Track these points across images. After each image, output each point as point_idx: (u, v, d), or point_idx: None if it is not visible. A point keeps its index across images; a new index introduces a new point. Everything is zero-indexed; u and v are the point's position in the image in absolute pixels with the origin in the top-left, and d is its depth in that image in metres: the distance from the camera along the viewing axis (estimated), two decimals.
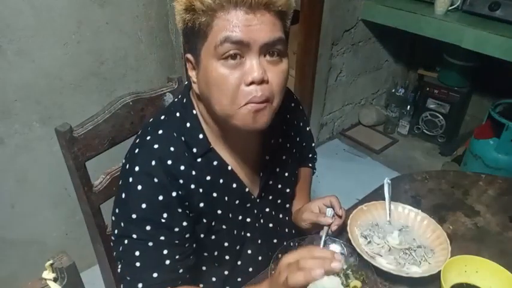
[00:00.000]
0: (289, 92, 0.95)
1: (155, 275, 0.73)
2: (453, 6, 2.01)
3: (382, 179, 1.01)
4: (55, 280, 0.60)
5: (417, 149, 2.60)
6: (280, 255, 0.83)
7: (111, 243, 0.79)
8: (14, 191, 1.44)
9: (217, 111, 0.70)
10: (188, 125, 0.76)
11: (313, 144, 1.09)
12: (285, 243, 0.84)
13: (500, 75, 2.15)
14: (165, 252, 0.74)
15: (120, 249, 0.75)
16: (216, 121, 0.76)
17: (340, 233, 0.92)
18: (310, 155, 1.09)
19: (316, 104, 2.43)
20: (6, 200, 1.44)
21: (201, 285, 0.89)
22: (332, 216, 0.88)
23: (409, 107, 2.60)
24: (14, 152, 1.39)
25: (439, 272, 0.78)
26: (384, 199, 0.98)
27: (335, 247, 0.87)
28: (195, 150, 0.76)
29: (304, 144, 1.02)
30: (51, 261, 0.60)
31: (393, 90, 2.70)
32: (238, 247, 0.87)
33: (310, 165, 1.10)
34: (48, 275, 0.59)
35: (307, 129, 1.04)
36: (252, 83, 0.66)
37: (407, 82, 2.75)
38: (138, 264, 0.73)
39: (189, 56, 0.72)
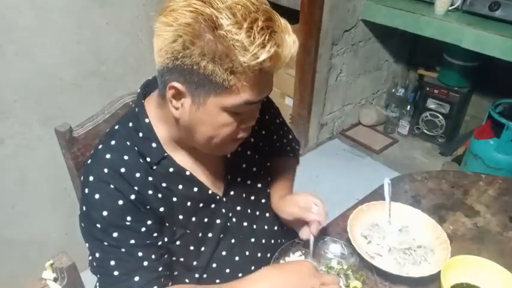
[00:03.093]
0: None
1: (137, 278, 0.72)
2: (453, 6, 2.01)
3: (382, 179, 1.00)
4: (55, 280, 0.60)
5: (417, 149, 2.60)
6: (276, 254, 0.83)
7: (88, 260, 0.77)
8: (14, 191, 1.44)
9: (202, 145, 0.74)
10: (141, 134, 0.76)
11: (290, 136, 1.04)
12: (281, 241, 0.83)
13: (500, 75, 2.16)
14: (140, 254, 0.73)
15: (95, 264, 0.74)
16: (177, 131, 0.75)
17: (340, 233, 0.92)
18: (289, 147, 1.04)
19: (316, 104, 2.43)
20: (6, 200, 1.44)
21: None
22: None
23: (409, 107, 2.60)
24: (14, 152, 1.38)
25: (439, 272, 0.78)
26: (384, 199, 0.97)
27: (335, 247, 0.87)
28: (148, 159, 0.75)
29: (275, 137, 0.99)
30: (51, 261, 0.60)
31: (393, 90, 2.70)
32: (204, 249, 0.85)
33: (291, 154, 1.05)
34: (48, 275, 0.60)
35: (278, 120, 1.00)
36: (247, 127, 0.73)
37: (407, 82, 2.75)
38: (116, 273, 0.72)
39: (177, 85, 0.66)
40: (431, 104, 2.49)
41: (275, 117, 0.99)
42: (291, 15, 2.30)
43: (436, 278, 0.79)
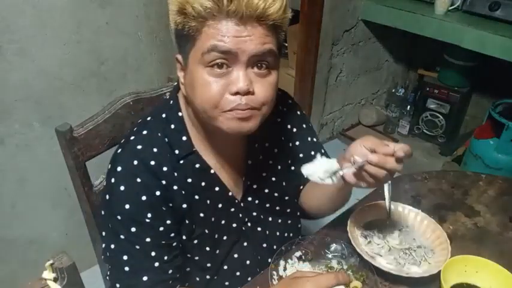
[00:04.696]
0: (284, 95, 0.92)
1: (145, 278, 0.73)
2: (453, 6, 2.01)
3: None
4: (55, 280, 0.59)
5: (417, 149, 2.60)
6: (276, 255, 0.83)
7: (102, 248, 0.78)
8: (14, 191, 1.44)
9: (202, 114, 0.70)
10: (172, 126, 0.77)
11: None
12: (283, 247, 0.83)
13: (500, 75, 2.15)
14: (153, 254, 0.73)
15: (108, 254, 0.75)
16: (201, 123, 0.76)
17: (340, 233, 0.91)
18: None
19: (316, 104, 2.43)
20: (6, 200, 1.44)
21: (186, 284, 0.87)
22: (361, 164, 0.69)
23: (409, 107, 2.60)
24: (14, 152, 1.38)
25: (439, 272, 0.78)
26: (384, 199, 0.97)
27: (335, 247, 0.87)
28: (177, 151, 0.75)
29: (301, 155, 0.93)
30: (51, 261, 0.60)
31: (393, 90, 2.70)
32: (218, 251, 0.85)
33: None
34: (48, 275, 0.59)
35: (310, 139, 0.94)
36: (236, 93, 0.66)
37: (407, 82, 2.75)
38: (127, 268, 0.73)
39: (178, 56, 0.73)
40: (431, 104, 2.49)
41: (306, 134, 0.94)
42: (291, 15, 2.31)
43: (436, 278, 0.79)
